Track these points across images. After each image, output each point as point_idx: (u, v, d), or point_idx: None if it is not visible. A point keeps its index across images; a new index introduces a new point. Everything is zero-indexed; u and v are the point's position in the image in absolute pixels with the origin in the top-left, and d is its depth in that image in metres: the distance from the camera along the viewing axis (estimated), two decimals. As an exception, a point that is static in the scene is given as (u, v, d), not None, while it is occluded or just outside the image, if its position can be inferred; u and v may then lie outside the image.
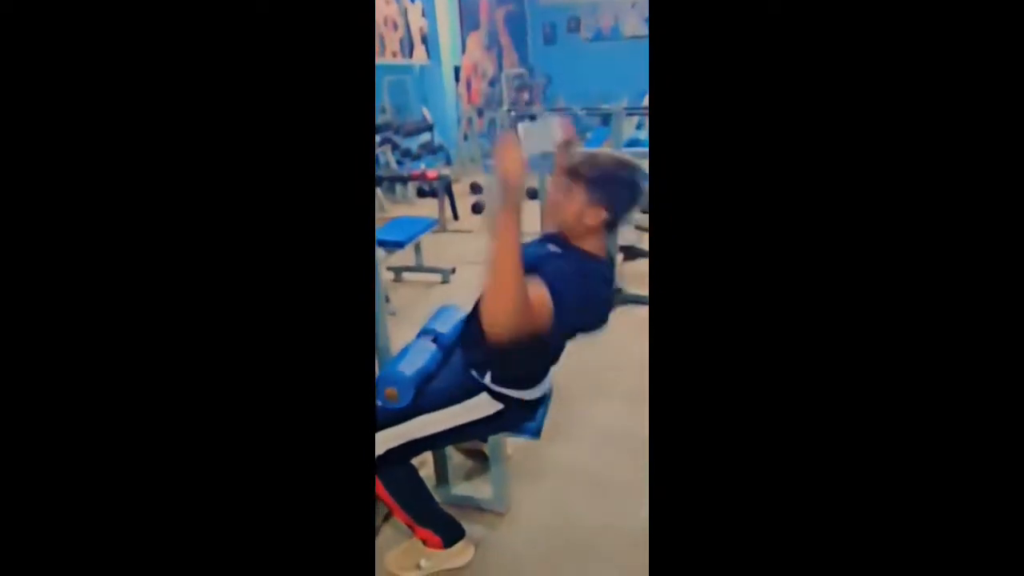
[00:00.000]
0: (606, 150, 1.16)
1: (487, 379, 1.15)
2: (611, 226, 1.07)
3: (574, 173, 1.04)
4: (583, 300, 1.00)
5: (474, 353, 1.18)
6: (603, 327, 1.09)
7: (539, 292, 0.91)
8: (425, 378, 1.26)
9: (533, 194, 4.21)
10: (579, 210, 1.04)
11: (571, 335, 1.09)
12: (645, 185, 1.05)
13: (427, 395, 1.21)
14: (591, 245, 1.08)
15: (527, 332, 0.89)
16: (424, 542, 1.26)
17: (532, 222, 3.13)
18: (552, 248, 1.09)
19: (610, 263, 1.14)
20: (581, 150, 1.09)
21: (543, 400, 1.26)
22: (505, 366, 1.14)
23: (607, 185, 1.03)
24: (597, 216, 1.04)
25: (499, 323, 0.85)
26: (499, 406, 1.16)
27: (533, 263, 0.95)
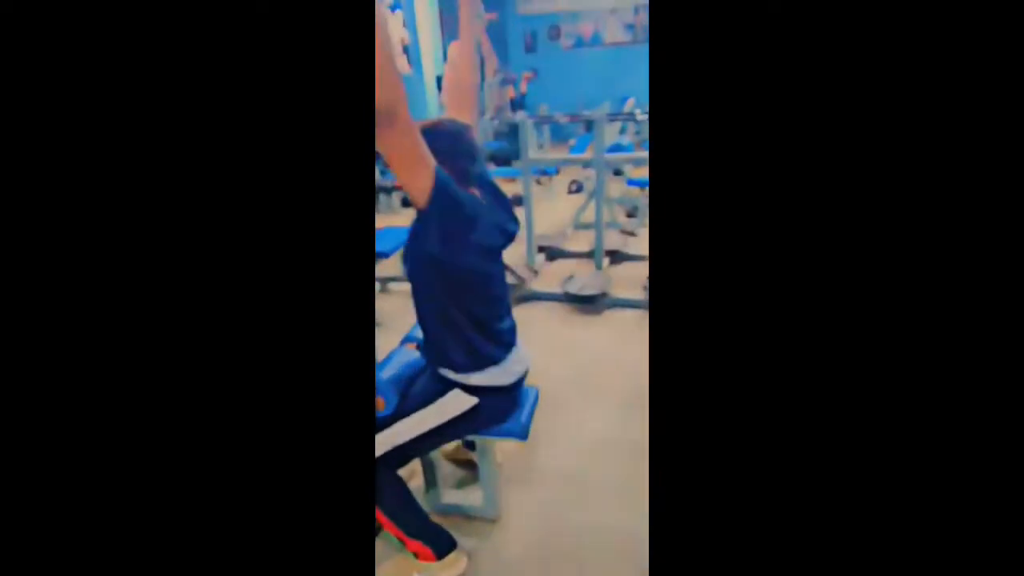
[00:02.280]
0: (436, 120, 1.22)
1: (449, 372, 1.15)
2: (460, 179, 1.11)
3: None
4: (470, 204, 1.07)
5: (429, 347, 1.19)
6: (506, 244, 1.17)
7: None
8: (408, 384, 1.25)
9: (518, 201, 4.20)
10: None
11: (486, 260, 1.14)
12: (472, 138, 1.16)
13: (407, 400, 1.20)
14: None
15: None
16: (416, 555, 1.24)
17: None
18: None
19: (495, 199, 1.17)
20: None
21: (518, 390, 1.25)
22: (455, 348, 1.14)
23: (437, 144, 1.07)
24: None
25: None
26: (473, 400, 1.16)
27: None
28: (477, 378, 1.16)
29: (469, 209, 1.06)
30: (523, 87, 6.88)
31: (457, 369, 1.15)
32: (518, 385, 1.24)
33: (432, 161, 0.99)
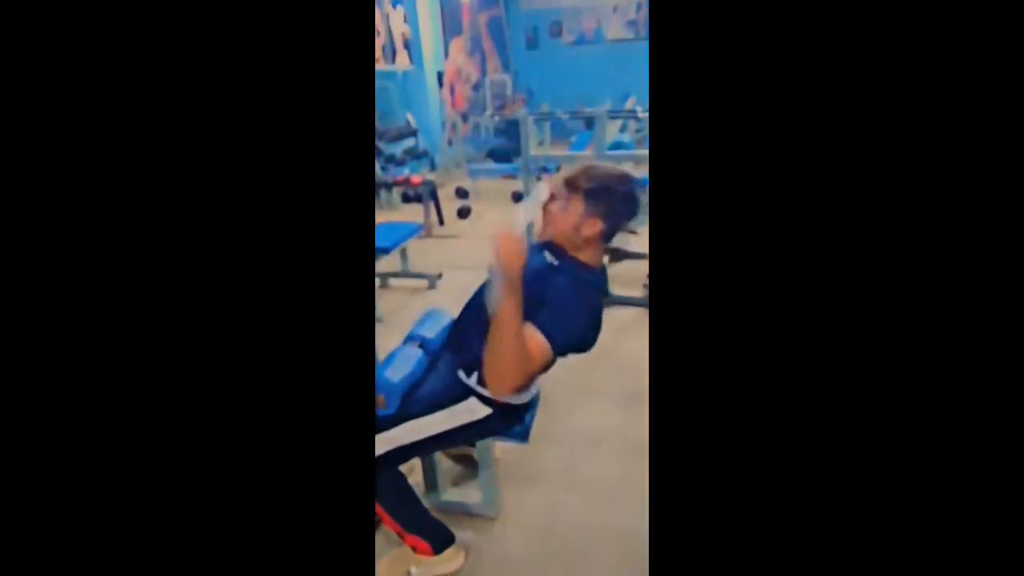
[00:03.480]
0: (604, 164, 1.16)
1: (473, 380, 1.14)
2: (607, 237, 1.08)
3: (572, 185, 1.06)
4: (580, 318, 1.02)
5: (462, 355, 1.17)
6: (594, 345, 1.09)
7: (536, 340, 0.95)
8: (412, 384, 1.25)
9: (518, 197, 4.21)
10: (576, 221, 1.05)
11: (565, 355, 1.09)
12: (643, 198, 1.06)
13: (414, 401, 1.20)
14: (587, 256, 1.09)
15: (530, 380, 0.96)
16: (414, 549, 1.24)
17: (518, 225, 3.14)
18: (549, 258, 1.09)
19: (603, 272, 1.15)
20: (579, 164, 1.11)
21: (531, 404, 1.25)
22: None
23: (605, 197, 1.04)
24: (594, 227, 1.05)
25: (504, 387, 0.94)
26: (487, 411, 1.16)
27: (529, 274, 0.95)
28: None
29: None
30: (517, 108, 6.90)
31: (481, 383, 1.13)
32: (529, 406, 1.24)
33: (544, 348, 0.95)
